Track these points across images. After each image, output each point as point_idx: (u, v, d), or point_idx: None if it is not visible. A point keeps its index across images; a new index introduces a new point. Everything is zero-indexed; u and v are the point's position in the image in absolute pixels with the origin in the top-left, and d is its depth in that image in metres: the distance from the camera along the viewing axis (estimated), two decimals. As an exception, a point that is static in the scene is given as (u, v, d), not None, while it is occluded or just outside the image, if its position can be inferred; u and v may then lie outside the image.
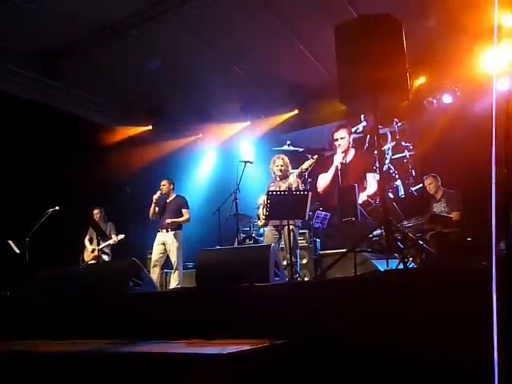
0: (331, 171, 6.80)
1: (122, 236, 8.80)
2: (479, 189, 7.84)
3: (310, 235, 7.91)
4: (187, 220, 8.01)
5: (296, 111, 10.22)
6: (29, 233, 7.96)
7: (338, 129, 7.02)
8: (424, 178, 7.75)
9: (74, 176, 8.76)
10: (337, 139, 6.90)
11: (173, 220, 7.83)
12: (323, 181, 6.99)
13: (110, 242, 8.80)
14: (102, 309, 4.52)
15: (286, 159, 7.00)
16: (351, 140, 7.11)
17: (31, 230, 8.00)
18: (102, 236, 8.67)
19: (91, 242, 9.07)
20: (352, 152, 7.02)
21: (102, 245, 8.78)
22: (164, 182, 8.14)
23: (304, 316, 3.39)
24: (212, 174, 11.45)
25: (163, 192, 8.08)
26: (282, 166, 6.90)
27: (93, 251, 8.92)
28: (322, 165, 7.11)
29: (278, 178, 6.93)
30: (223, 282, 4.07)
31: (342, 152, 6.70)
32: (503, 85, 8.87)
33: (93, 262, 8.80)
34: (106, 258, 8.92)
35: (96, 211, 9.12)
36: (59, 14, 7.35)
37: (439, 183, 7.53)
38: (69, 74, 8.97)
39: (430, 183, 7.59)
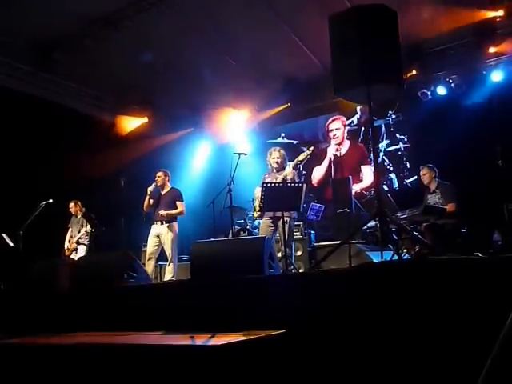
0: (325, 163, 6.83)
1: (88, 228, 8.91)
2: (474, 180, 7.89)
3: (304, 227, 7.91)
4: (181, 213, 7.97)
5: (288, 104, 10.19)
6: (22, 226, 7.95)
7: (333, 120, 7.05)
8: (421, 167, 7.72)
9: (69, 168, 8.74)
10: (332, 130, 6.92)
11: (167, 212, 7.80)
12: (318, 173, 7.01)
13: (82, 232, 8.88)
14: (96, 301, 4.51)
15: (283, 151, 7.00)
16: (346, 132, 7.13)
17: (25, 223, 7.99)
18: (93, 225, 8.72)
19: (71, 235, 9.10)
20: (347, 144, 7.04)
21: (78, 235, 8.89)
22: (159, 174, 8.09)
23: (298, 307, 3.39)
24: (206, 166, 11.42)
25: (158, 184, 8.03)
26: (278, 158, 6.89)
27: (70, 243, 8.94)
28: (317, 157, 7.12)
29: (274, 170, 6.92)
30: (217, 275, 4.07)
31: (336, 144, 6.73)
32: (497, 76, 8.88)
33: (73, 254, 8.81)
34: (83, 248, 8.91)
35: (71, 204, 9.10)
36: (53, 7, 7.31)
37: (434, 175, 7.51)
38: (63, 66, 8.94)
39: (424, 173, 7.57)
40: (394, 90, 4.78)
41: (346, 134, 7.05)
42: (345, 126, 7.08)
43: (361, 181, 6.82)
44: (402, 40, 4.47)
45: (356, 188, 6.60)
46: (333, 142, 6.78)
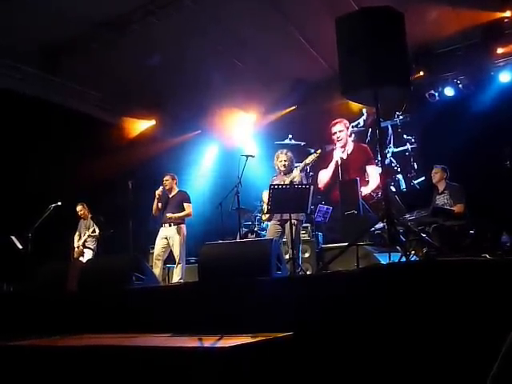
0: (331, 166, 6.82)
1: (92, 230, 8.99)
2: (482, 181, 7.85)
3: (312, 229, 7.90)
4: (188, 214, 7.99)
5: (295, 107, 10.19)
6: (31, 228, 7.99)
7: (335, 123, 7.06)
8: (434, 166, 7.63)
9: (77, 171, 8.78)
10: (335, 133, 6.93)
11: (175, 215, 7.81)
12: (323, 177, 7.01)
13: (86, 236, 8.94)
14: (104, 303, 4.52)
15: (290, 154, 6.97)
16: (349, 133, 7.14)
17: (33, 226, 8.03)
18: (101, 228, 8.87)
19: (79, 238, 9.14)
20: (351, 145, 7.04)
21: (82, 239, 8.95)
22: (167, 178, 8.12)
23: (306, 309, 3.39)
24: (214, 168, 11.46)
25: (166, 187, 8.05)
26: (285, 161, 6.86)
27: (78, 247, 8.98)
28: (323, 160, 7.11)
29: (281, 173, 6.90)
30: (225, 276, 4.07)
31: (342, 146, 6.73)
32: (505, 77, 8.84)
33: (80, 258, 8.85)
34: (89, 252, 8.95)
35: (79, 207, 9.19)
36: (60, 11, 7.35)
37: (445, 176, 7.43)
38: (71, 70, 8.98)
39: (435, 172, 7.49)
40: (401, 91, 4.78)
41: (349, 136, 7.06)
42: (347, 128, 7.10)
43: (367, 182, 6.80)
44: (410, 41, 4.46)
45: (365, 191, 6.60)
46: (338, 144, 6.77)
